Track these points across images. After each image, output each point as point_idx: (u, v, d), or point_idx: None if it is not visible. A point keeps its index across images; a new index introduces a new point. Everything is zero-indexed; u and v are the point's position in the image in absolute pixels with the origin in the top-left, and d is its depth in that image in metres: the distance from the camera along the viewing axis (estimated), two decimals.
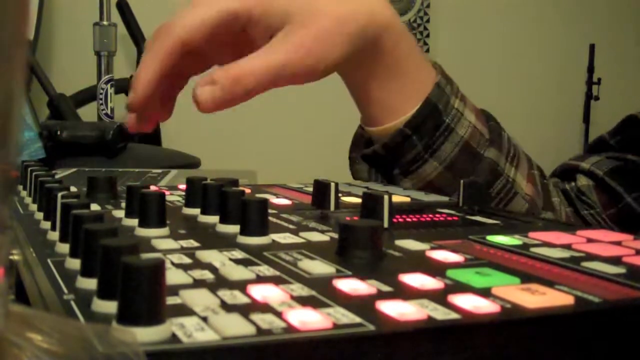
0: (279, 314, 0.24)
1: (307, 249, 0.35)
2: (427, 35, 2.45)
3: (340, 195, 0.50)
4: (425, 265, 0.33)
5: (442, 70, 0.66)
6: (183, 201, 0.48)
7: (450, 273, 0.30)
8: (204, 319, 0.24)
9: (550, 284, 0.29)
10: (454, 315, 0.25)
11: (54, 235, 0.37)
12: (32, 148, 0.96)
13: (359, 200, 0.48)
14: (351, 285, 0.28)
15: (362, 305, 0.26)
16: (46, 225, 0.41)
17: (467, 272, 0.30)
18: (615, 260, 0.34)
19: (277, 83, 0.55)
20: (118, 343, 0.21)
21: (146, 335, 0.22)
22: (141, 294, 0.22)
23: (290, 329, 0.23)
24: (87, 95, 1.69)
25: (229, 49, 0.60)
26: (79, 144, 1.06)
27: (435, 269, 0.31)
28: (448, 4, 2.45)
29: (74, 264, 0.31)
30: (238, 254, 0.34)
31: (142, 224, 0.39)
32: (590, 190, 0.74)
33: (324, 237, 0.39)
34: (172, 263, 0.32)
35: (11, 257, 0.35)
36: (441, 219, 0.47)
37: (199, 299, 0.26)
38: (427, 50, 2.44)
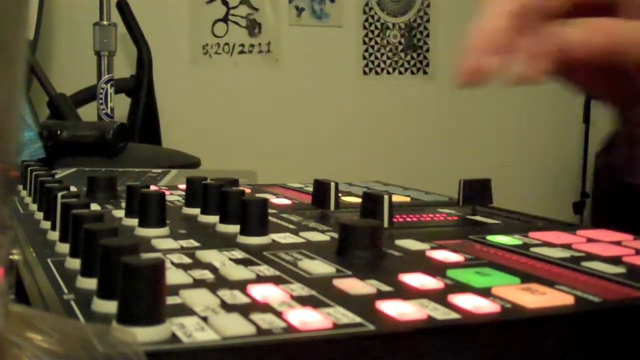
0: (279, 314, 0.24)
1: (307, 249, 0.35)
2: (427, 35, 2.45)
3: (340, 195, 0.50)
4: (425, 265, 0.32)
5: None
6: (183, 201, 0.48)
7: (450, 273, 0.30)
8: (204, 319, 0.24)
9: (550, 283, 0.29)
10: (454, 315, 0.25)
11: (54, 235, 0.37)
12: (32, 148, 0.96)
13: (359, 200, 0.48)
14: (351, 285, 0.28)
15: (362, 305, 0.26)
16: (46, 225, 0.41)
17: (467, 272, 0.30)
18: (615, 260, 0.34)
19: None
20: (118, 343, 0.21)
21: (146, 335, 0.22)
22: (141, 294, 0.22)
23: (290, 329, 0.23)
24: (87, 95, 1.69)
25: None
26: (79, 143, 1.06)
27: (435, 269, 0.31)
28: (448, 4, 2.45)
29: (74, 264, 0.31)
30: (238, 254, 0.34)
31: (142, 223, 0.39)
32: None
33: (324, 237, 0.39)
34: (172, 263, 0.32)
35: (11, 257, 0.35)
36: (441, 218, 0.47)
37: (199, 299, 0.26)
38: (427, 50, 2.44)
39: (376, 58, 2.40)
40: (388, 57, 2.42)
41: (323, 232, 0.40)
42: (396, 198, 0.54)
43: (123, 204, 0.44)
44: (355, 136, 2.35)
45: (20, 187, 0.58)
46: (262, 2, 2.30)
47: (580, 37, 0.41)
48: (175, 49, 2.19)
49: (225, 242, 0.37)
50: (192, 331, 0.23)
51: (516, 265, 0.33)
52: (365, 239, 0.33)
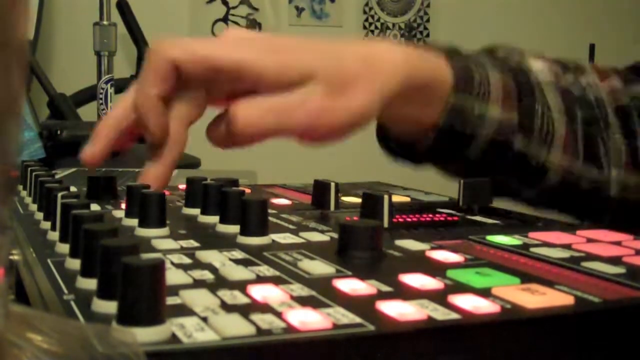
0: (279, 314, 0.24)
1: (307, 249, 0.35)
2: (427, 35, 2.45)
3: (340, 195, 0.50)
4: (425, 265, 0.32)
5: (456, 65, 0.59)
6: (183, 201, 0.48)
7: (450, 273, 0.30)
8: (204, 319, 0.24)
9: (550, 284, 0.29)
10: (454, 316, 0.25)
11: (54, 235, 0.37)
12: (32, 148, 0.96)
13: (359, 200, 0.49)
14: (351, 285, 0.28)
15: (362, 305, 0.26)
16: (46, 225, 0.41)
17: (467, 272, 0.30)
18: (615, 260, 0.34)
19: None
20: (118, 343, 0.21)
21: (146, 335, 0.22)
22: (141, 294, 0.22)
23: (290, 329, 0.23)
24: (87, 95, 1.69)
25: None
26: (79, 144, 1.05)
27: (435, 269, 0.31)
28: (448, 4, 2.45)
29: (74, 264, 0.31)
30: (238, 254, 0.34)
31: (142, 224, 0.39)
32: None
33: (324, 237, 0.39)
34: (172, 263, 0.32)
35: (11, 257, 0.35)
36: (441, 219, 0.47)
37: (199, 299, 0.26)
38: None
39: None
40: None
41: (323, 232, 0.40)
42: (396, 198, 0.54)
43: (123, 204, 0.44)
44: (356, 136, 2.34)
45: (20, 187, 0.58)
46: (262, 2, 2.30)
47: (251, 119, 0.46)
48: None
49: (225, 243, 0.37)
50: (192, 331, 0.23)
51: (516, 266, 0.33)
52: (365, 239, 0.33)
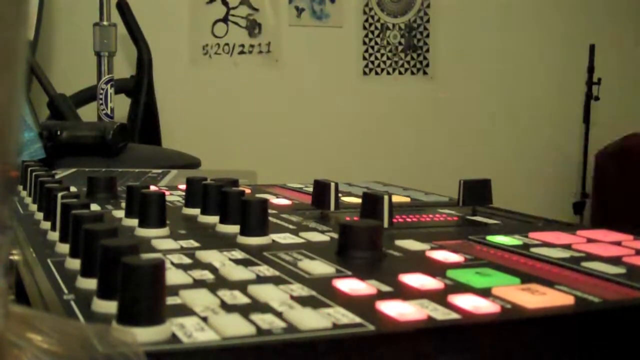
0: (279, 314, 0.24)
1: (307, 249, 0.35)
2: (427, 35, 2.45)
3: (340, 195, 0.50)
4: (425, 266, 0.32)
5: None
6: (183, 201, 0.48)
7: (450, 273, 0.30)
8: (204, 319, 0.24)
9: (550, 284, 0.29)
10: (454, 316, 0.25)
11: (54, 235, 0.37)
12: (32, 148, 0.96)
13: (359, 200, 0.48)
14: (351, 285, 0.28)
15: (362, 305, 0.26)
16: (46, 225, 0.41)
17: (467, 273, 0.30)
18: (615, 261, 0.34)
19: None
20: (118, 343, 0.21)
21: (146, 335, 0.22)
22: (141, 294, 0.22)
23: (290, 329, 0.23)
24: (87, 95, 1.69)
25: None
26: (79, 144, 1.06)
27: (435, 269, 0.31)
28: (448, 4, 2.45)
29: (74, 264, 0.31)
30: (238, 254, 0.34)
31: (142, 224, 0.39)
32: None
33: (324, 237, 0.39)
34: (172, 263, 0.32)
35: (11, 257, 0.35)
36: (441, 219, 0.47)
37: (199, 299, 0.26)
38: (427, 51, 2.44)
39: (376, 58, 2.40)
40: (388, 58, 2.42)
41: (323, 232, 0.40)
42: (396, 198, 0.54)
43: (123, 204, 0.44)
44: (355, 136, 2.35)
45: (20, 187, 0.58)
46: (262, 3, 2.30)
47: None
48: (175, 50, 2.19)
49: (225, 243, 0.37)
50: (192, 331, 0.23)
51: (516, 266, 0.33)
52: (365, 239, 0.33)
